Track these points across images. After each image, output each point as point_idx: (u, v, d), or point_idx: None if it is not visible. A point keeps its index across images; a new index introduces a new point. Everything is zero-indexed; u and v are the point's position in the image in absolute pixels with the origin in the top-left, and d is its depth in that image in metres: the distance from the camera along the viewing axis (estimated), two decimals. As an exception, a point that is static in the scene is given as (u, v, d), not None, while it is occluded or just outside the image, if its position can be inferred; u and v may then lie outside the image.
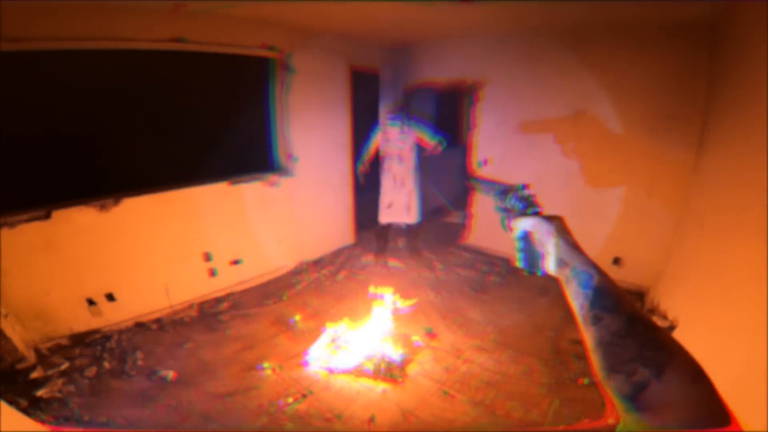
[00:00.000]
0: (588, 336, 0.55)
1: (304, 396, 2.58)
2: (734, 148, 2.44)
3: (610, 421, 0.52)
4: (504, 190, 0.76)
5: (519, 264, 0.70)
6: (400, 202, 4.41)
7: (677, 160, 3.45)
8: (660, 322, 2.96)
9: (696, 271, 2.77)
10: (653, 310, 3.21)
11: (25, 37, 2.50)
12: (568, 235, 0.65)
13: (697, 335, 2.44)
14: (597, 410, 2.38)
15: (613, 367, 0.50)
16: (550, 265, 0.66)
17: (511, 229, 0.73)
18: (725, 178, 2.55)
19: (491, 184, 0.80)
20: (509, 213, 0.73)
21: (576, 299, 0.59)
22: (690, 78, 3.30)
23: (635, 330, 0.51)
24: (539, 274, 0.68)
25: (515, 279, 4.12)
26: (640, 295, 3.71)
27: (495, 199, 0.78)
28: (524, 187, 0.74)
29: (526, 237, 0.69)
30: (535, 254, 0.68)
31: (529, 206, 0.72)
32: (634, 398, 0.47)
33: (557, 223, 0.67)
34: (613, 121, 3.79)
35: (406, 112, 4.28)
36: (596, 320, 0.55)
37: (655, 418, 0.45)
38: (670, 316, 2.93)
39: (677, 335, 2.64)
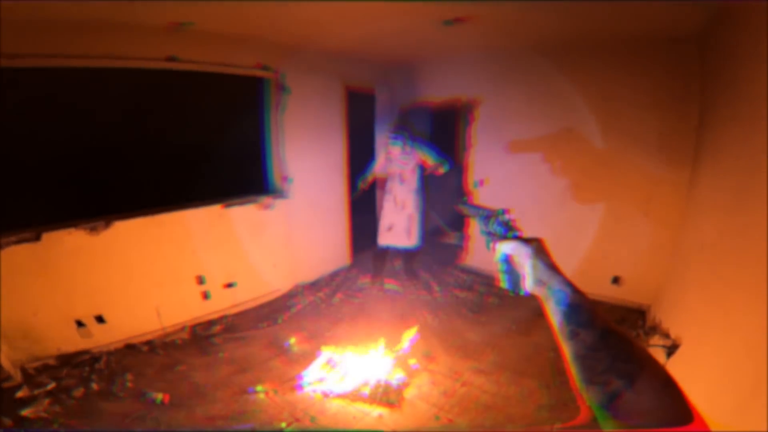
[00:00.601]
0: (566, 350, 0.59)
1: (311, 418, 2.50)
2: (731, 163, 2.44)
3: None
4: (487, 215, 0.80)
5: (503, 285, 0.75)
6: (400, 226, 4.34)
7: (673, 178, 3.48)
8: (662, 341, 2.91)
9: (698, 290, 2.73)
10: (655, 329, 3.16)
11: (20, 54, 2.54)
12: (546, 257, 0.69)
13: (701, 354, 2.39)
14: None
15: (589, 379, 0.54)
16: (529, 285, 0.70)
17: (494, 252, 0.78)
18: (723, 194, 2.54)
19: (476, 209, 0.84)
20: (492, 237, 0.78)
21: (554, 316, 0.63)
22: (682, 94, 3.36)
23: (608, 343, 0.55)
24: (522, 293, 0.72)
25: (513, 300, 4.05)
26: (640, 313, 3.66)
27: (479, 223, 0.82)
28: (504, 211, 0.78)
29: (507, 259, 0.74)
30: (517, 275, 0.72)
31: (509, 230, 0.76)
32: (609, 407, 0.51)
33: (535, 245, 0.71)
34: (606, 139, 3.83)
35: (409, 132, 4.24)
36: (572, 335, 0.58)
37: (627, 422, 0.49)
38: (673, 335, 2.88)
39: (681, 354, 2.60)
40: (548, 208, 4.23)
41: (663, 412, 0.48)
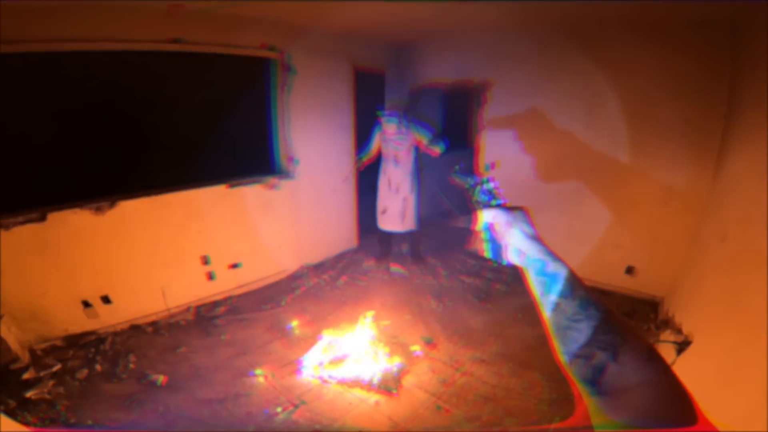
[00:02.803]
0: (547, 323, 0.58)
1: (296, 406, 2.50)
2: (760, 153, 2.26)
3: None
4: (474, 184, 0.78)
5: (487, 255, 0.72)
6: (394, 209, 4.27)
7: (696, 166, 3.27)
8: (674, 337, 2.78)
9: (716, 285, 2.58)
10: (667, 323, 3.03)
11: (22, 39, 2.50)
12: (527, 226, 0.67)
13: (714, 352, 2.27)
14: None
15: (572, 352, 0.53)
16: (510, 255, 0.68)
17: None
18: (749, 186, 2.36)
19: (465, 177, 0.82)
20: (477, 205, 0.76)
21: (535, 286, 0.61)
22: (711, 79, 3.11)
23: (588, 313, 0.53)
24: (504, 264, 0.70)
25: (521, 288, 3.88)
26: (653, 305, 3.52)
27: (469, 192, 0.80)
28: (489, 179, 0.76)
29: (489, 228, 0.72)
30: (498, 245, 0.70)
31: (492, 198, 0.75)
32: (595, 382, 0.50)
33: (517, 213, 0.69)
34: (627, 124, 3.59)
35: (404, 112, 4.10)
36: (553, 306, 0.57)
37: (615, 401, 0.47)
38: (686, 331, 2.75)
39: (693, 351, 2.48)
40: (562, 193, 4.06)
41: (649, 387, 0.47)
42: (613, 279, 3.81)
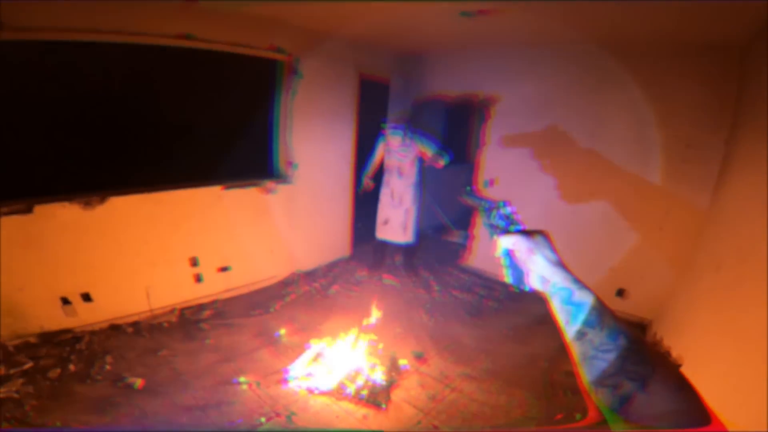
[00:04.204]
0: (573, 351, 0.57)
1: (288, 417, 2.41)
2: (760, 183, 2.28)
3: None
4: (489, 207, 0.76)
5: (507, 280, 0.71)
6: (396, 221, 4.24)
7: (695, 192, 3.30)
8: (664, 361, 2.78)
9: (708, 312, 2.58)
10: (655, 345, 3.02)
11: (29, 27, 2.44)
12: (550, 252, 0.65)
13: (703, 378, 2.25)
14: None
15: (599, 381, 0.52)
16: (533, 282, 0.66)
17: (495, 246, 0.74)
18: (748, 216, 2.37)
19: (479, 199, 0.81)
20: (494, 230, 0.74)
21: (560, 315, 0.60)
22: (715, 106, 3.15)
23: (618, 344, 0.52)
24: (526, 290, 0.69)
25: (513, 305, 3.94)
26: (642, 327, 3.53)
27: (482, 214, 0.79)
28: (506, 204, 0.75)
29: (509, 254, 0.69)
30: (520, 271, 0.68)
31: (511, 223, 0.73)
32: (621, 410, 0.49)
33: (538, 239, 0.66)
34: (629, 147, 3.61)
35: (409, 123, 4.11)
36: (580, 335, 0.56)
37: (642, 425, 0.47)
38: (675, 353, 2.75)
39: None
40: (559, 214, 4.06)
41: (678, 416, 0.46)
42: (604, 301, 3.80)
